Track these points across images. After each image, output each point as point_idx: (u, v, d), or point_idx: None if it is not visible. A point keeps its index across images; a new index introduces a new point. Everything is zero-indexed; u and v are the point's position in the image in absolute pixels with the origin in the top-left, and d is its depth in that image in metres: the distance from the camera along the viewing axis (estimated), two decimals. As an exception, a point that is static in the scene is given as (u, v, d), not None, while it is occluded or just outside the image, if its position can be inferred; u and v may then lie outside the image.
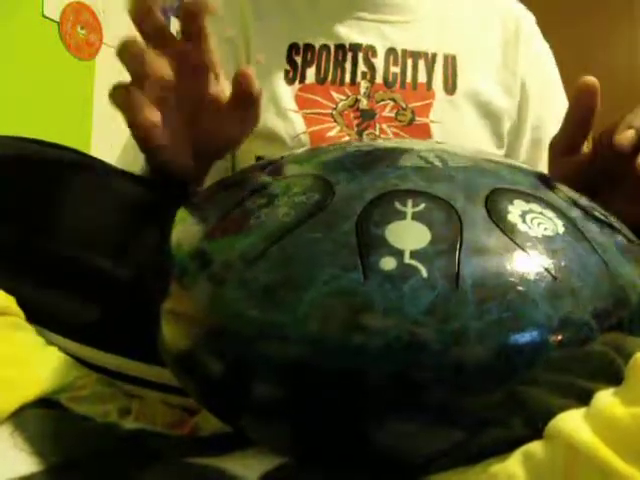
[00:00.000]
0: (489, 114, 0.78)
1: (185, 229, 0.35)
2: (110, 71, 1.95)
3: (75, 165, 0.45)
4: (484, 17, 0.83)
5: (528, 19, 0.86)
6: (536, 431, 0.27)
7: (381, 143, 0.41)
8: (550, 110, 0.81)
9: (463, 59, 0.79)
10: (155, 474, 0.32)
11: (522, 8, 0.87)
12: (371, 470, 0.30)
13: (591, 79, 0.47)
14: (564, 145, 0.51)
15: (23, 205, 0.42)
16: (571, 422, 0.27)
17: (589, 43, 2.21)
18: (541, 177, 0.36)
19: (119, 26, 2.02)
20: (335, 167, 0.35)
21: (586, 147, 0.51)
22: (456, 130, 0.75)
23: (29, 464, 0.31)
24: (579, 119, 0.49)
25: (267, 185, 0.34)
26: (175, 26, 2.39)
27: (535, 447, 0.27)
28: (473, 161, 0.35)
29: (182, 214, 0.37)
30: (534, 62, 0.83)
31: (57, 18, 1.85)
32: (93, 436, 0.35)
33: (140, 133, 0.46)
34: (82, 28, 1.92)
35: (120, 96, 0.45)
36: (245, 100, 0.49)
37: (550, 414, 0.27)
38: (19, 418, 0.34)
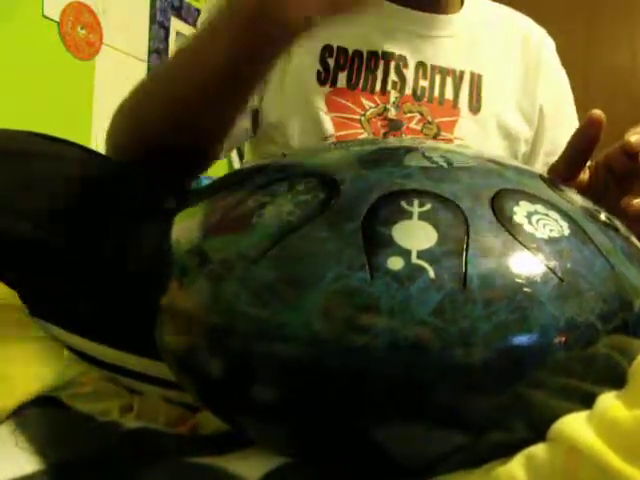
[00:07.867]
0: (508, 136, 0.79)
1: (185, 226, 0.35)
2: (110, 71, 1.95)
3: (76, 160, 0.45)
4: (506, 38, 0.84)
5: (549, 44, 0.86)
6: (539, 434, 0.27)
7: (385, 142, 0.41)
8: (565, 137, 0.83)
9: (488, 79, 0.79)
10: (155, 474, 0.32)
11: (543, 31, 0.87)
12: (373, 472, 0.30)
13: (598, 112, 0.48)
14: (563, 170, 0.52)
15: (23, 200, 0.42)
16: (574, 425, 0.27)
17: (589, 44, 2.21)
18: (546, 179, 0.36)
19: (119, 26, 2.02)
20: (340, 165, 0.34)
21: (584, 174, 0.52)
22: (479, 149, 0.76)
23: (31, 463, 0.31)
24: (581, 147, 0.51)
25: (270, 183, 0.34)
26: (175, 26, 2.37)
27: (537, 450, 0.27)
28: (477, 162, 0.35)
29: (183, 211, 0.37)
30: (552, 89, 0.84)
31: (57, 18, 1.85)
32: (94, 435, 0.35)
33: None
34: (82, 28, 1.92)
35: None
36: None
37: (553, 417, 0.27)
38: (20, 417, 0.34)
